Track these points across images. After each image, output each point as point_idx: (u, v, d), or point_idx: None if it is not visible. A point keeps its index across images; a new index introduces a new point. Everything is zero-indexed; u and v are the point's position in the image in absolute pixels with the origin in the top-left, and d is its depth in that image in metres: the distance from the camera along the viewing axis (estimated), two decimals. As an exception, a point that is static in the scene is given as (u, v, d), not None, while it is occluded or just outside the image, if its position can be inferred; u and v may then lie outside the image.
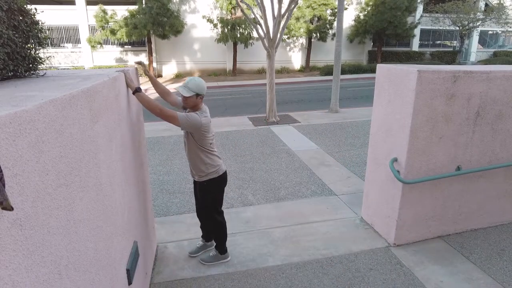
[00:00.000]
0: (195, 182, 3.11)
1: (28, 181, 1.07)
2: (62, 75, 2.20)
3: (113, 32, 17.01)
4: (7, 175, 0.96)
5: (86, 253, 1.51)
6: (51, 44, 18.39)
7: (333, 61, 10.25)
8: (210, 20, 18.32)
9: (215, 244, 3.27)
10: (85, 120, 1.56)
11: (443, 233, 3.57)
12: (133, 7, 17.43)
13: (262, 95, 10.66)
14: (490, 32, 26.38)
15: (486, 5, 23.41)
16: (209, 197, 2.99)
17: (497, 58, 23.14)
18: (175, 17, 17.57)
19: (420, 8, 21.99)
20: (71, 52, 19.25)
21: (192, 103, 2.71)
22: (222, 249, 3.19)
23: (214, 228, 3.16)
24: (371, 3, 20.09)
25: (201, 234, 3.40)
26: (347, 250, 3.37)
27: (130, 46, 19.79)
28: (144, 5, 16.92)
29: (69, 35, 19.15)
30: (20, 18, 1.82)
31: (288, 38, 20.81)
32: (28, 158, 1.08)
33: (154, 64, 19.70)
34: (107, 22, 17.16)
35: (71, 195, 1.37)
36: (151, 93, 15.00)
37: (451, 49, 24.32)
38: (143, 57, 19.97)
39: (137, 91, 2.48)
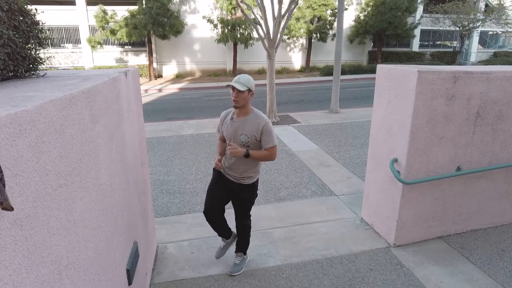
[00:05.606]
0: (235, 189, 2.90)
1: (28, 181, 1.07)
2: (63, 75, 2.20)
3: (113, 32, 17.03)
4: (7, 176, 0.96)
5: (86, 253, 1.51)
6: (52, 45, 18.41)
7: (333, 61, 10.25)
8: (210, 21, 18.34)
9: (234, 242, 3.17)
10: (86, 121, 1.56)
11: (443, 233, 3.57)
12: (133, 7, 17.44)
13: (262, 95, 10.65)
14: (490, 32, 26.39)
15: (486, 5, 23.42)
16: (254, 198, 3.01)
17: (497, 58, 23.16)
18: (175, 17, 17.59)
19: (420, 9, 22.01)
20: (71, 52, 19.26)
21: (243, 100, 2.60)
22: (247, 248, 3.17)
23: (245, 228, 3.10)
24: (371, 4, 20.10)
25: (219, 233, 3.10)
26: (347, 250, 3.37)
27: (130, 47, 19.81)
28: (144, 5, 16.94)
29: (69, 35, 19.18)
30: (21, 18, 1.82)
31: (288, 38, 20.85)
32: (28, 158, 1.08)
33: (154, 65, 19.72)
34: (107, 22, 17.18)
35: (71, 195, 1.37)
36: (152, 93, 15.02)
37: (451, 50, 24.33)
38: (143, 58, 20.00)
39: (247, 155, 2.63)
